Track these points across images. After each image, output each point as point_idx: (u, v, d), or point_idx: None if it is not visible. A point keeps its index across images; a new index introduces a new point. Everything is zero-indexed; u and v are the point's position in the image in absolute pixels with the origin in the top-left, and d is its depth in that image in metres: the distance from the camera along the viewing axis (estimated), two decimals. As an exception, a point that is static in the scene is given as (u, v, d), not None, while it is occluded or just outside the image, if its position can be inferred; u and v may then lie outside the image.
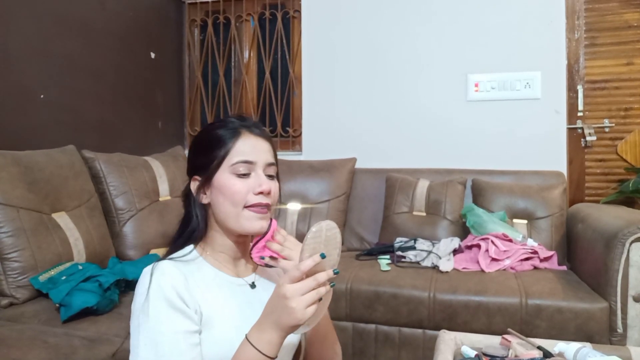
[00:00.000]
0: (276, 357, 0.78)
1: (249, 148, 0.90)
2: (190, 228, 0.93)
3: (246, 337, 0.78)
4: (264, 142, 0.93)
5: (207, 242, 0.94)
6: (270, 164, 0.92)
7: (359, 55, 2.91)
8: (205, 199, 0.92)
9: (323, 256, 0.76)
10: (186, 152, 3.09)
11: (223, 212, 0.90)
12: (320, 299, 0.76)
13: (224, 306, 0.88)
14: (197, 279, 0.87)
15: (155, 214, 2.21)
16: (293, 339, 0.97)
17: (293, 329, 0.76)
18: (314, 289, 0.75)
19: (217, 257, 0.93)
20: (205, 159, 0.91)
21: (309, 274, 0.75)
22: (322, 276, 0.75)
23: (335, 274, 0.77)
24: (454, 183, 2.47)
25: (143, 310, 0.80)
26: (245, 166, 0.89)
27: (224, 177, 0.89)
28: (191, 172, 0.94)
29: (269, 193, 0.90)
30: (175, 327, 0.80)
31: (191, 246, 0.93)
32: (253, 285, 0.95)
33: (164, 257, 0.89)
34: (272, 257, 0.90)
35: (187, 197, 0.95)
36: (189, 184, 0.95)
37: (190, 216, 0.93)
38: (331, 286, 0.78)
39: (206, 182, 0.91)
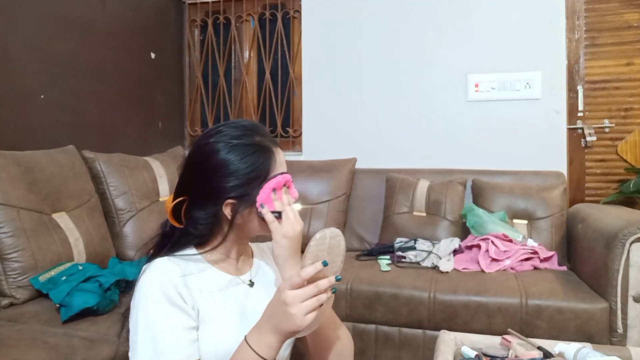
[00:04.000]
0: None
1: (280, 165, 0.90)
2: (196, 239, 0.90)
3: (245, 339, 0.79)
4: (281, 150, 0.93)
5: (212, 245, 0.92)
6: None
7: (359, 55, 2.91)
8: (239, 220, 0.88)
9: (325, 264, 0.76)
10: (186, 152, 3.11)
11: (256, 226, 0.90)
12: (321, 305, 0.77)
13: (222, 304, 0.89)
14: (195, 276, 0.87)
15: (155, 214, 2.21)
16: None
17: (292, 334, 0.77)
18: (314, 296, 0.75)
19: (215, 256, 0.93)
20: (241, 183, 0.86)
21: (311, 280, 0.75)
22: (324, 283, 0.75)
23: (337, 280, 0.78)
24: (454, 183, 2.47)
25: (142, 307, 0.80)
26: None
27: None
28: (217, 194, 0.87)
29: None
30: (173, 322, 0.80)
31: (192, 248, 0.92)
32: (251, 284, 0.95)
33: (159, 254, 0.88)
34: (273, 213, 0.87)
35: (203, 214, 0.89)
36: (193, 203, 0.89)
37: (201, 230, 0.89)
38: (332, 292, 0.78)
39: (245, 207, 0.87)
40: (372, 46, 2.89)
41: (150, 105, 2.94)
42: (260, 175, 0.87)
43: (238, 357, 0.78)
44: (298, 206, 0.93)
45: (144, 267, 0.85)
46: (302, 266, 0.77)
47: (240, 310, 0.90)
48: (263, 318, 0.79)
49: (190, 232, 0.89)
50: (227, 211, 0.87)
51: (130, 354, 0.81)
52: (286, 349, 0.96)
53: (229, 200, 0.87)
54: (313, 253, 0.77)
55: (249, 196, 0.87)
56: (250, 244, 1.02)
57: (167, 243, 0.91)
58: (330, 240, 0.79)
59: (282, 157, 0.91)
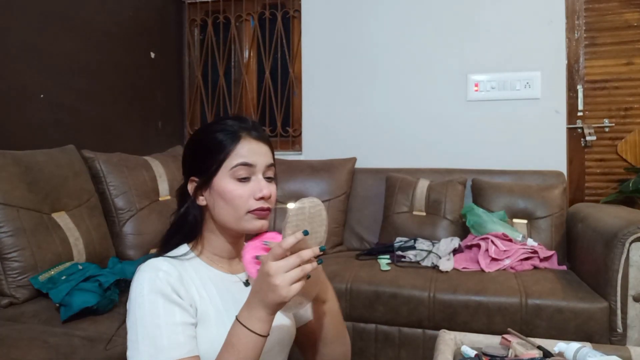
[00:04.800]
0: (268, 335, 0.78)
1: (248, 151, 0.89)
2: (185, 228, 0.93)
3: (236, 318, 0.79)
4: (263, 145, 0.92)
5: (201, 241, 0.94)
6: (269, 166, 0.92)
7: (359, 55, 2.91)
8: (202, 201, 0.92)
9: (306, 233, 0.75)
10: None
11: (223, 215, 0.90)
12: (309, 277, 0.76)
13: (219, 302, 0.89)
14: (191, 275, 0.88)
15: (155, 214, 2.21)
16: (289, 330, 0.97)
17: (280, 306, 0.76)
18: (298, 266, 0.74)
19: (210, 256, 0.94)
20: (203, 161, 0.90)
21: (295, 251, 0.74)
22: (307, 253, 0.75)
23: (321, 250, 0.77)
24: (454, 183, 2.47)
25: (139, 306, 0.80)
26: (246, 169, 0.89)
27: (224, 181, 0.88)
28: (188, 172, 0.94)
29: (269, 197, 0.90)
30: (172, 319, 0.80)
31: (185, 245, 0.93)
32: (247, 283, 0.96)
33: (158, 255, 0.90)
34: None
35: (183, 196, 0.95)
36: (185, 184, 0.95)
37: (185, 216, 0.93)
38: (319, 263, 0.78)
39: (204, 185, 0.90)
40: (372, 46, 2.89)
41: (150, 105, 2.94)
42: (217, 153, 0.89)
43: (232, 336, 0.79)
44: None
45: (139, 267, 0.85)
46: (283, 237, 0.75)
47: (237, 307, 0.90)
48: (251, 294, 0.79)
49: (186, 211, 0.94)
50: (191, 189, 0.92)
51: (129, 354, 0.81)
52: (276, 356, 0.95)
53: (192, 177, 0.92)
54: (293, 223, 0.75)
55: (206, 174, 0.90)
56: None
57: (183, 223, 0.94)
58: (310, 210, 0.77)
59: (250, 148, 0.90)
